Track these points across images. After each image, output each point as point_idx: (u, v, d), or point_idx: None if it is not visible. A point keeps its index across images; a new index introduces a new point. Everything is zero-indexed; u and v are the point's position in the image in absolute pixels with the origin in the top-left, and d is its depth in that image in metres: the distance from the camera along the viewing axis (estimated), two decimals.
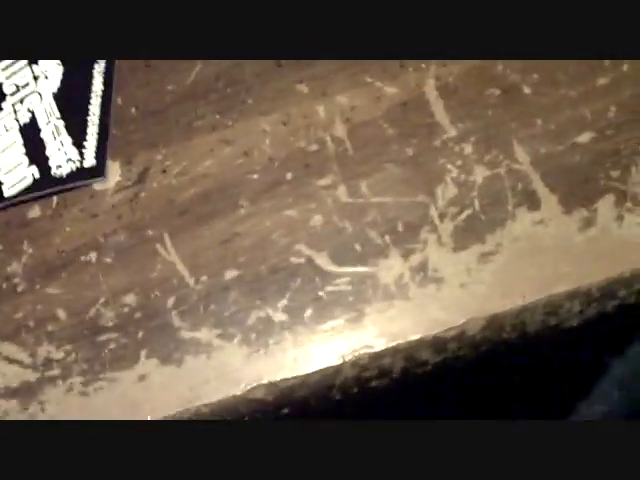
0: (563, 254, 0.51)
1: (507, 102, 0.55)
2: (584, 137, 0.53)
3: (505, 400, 0.65)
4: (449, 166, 0.54)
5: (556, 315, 0.50)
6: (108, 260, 0.56)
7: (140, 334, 0.53)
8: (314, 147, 0.57)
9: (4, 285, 0.57)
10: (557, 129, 0.54)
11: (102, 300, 0.55)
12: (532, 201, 0.52)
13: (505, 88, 0.56)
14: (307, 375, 0.50)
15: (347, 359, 0.50)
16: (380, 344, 0.50)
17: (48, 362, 0.54)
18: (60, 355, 0.54)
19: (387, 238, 0.53)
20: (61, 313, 0.55)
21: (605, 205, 0.52)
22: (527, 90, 0.55)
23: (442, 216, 0.53)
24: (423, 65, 0.57)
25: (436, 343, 0.50)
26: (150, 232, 0.57)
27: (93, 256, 0.57)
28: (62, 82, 0.63)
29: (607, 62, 0.55)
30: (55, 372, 0.54)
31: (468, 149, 0.55)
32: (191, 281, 0.54)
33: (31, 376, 0.54)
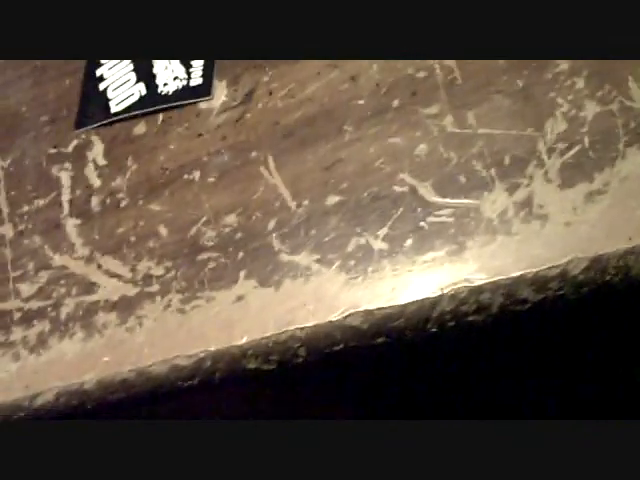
0: None
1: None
2: None
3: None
4: (559, 100, 0.53)
5: None
6: (211, 180, 0.57)
7: (240, 255, 0.54)
8: (422, 74, 0.56)
9: (108, 200, 0.58)
10: None
11: (204, 219, 0.56)
12: None
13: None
14: (404, 305, 0.50)
15: (446, 291, 0.50)
16: (480, 279, 0.49)
17: (148, 278, 0.55)
18: (160, 271, 0.55)
19: (493, 171, 0.52)
20: (162, 230, 0.56)
21: None
22: None
23: (550, 151, 0.51)
24: None
25: (537, 281, 0.49)
26: (254, 154, 0.57)
27: (196, 175, 0.57)
28: None
29: None
30: (154, 288, 0.54)
31: (580, 83, 0.53)
32: (293, 205, 0.54)
33: (131, 291, 0.55)
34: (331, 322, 0.50)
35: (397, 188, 0.53)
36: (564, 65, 0.53)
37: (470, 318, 0.50)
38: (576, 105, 0.52)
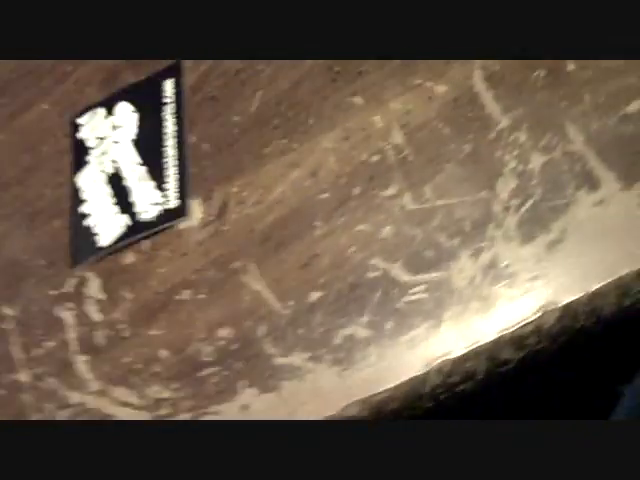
0: (628, 233, 0.51)
1: (553, 82, 0.55)
2: (634, 106, 0.53)
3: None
4: (506, 157, 0.55)
5: (629, 296, 0.50)
6: (201, 296, 0.60)
7: (238, 365, 0.56)
8: (376, 158, 0.58)
9: (111, 332, 0.61)
10: (606, 101, 0.54)
11: (200, 336, 0.58)
12: (591, 181, 0.52)
13: (550, 67, 0.55)
14: (396, 387, 0.52)
15: (432, 367, 0.52)
16: (461, 348, 0.52)
17: (157, 402, 0.58)
18: (167, 394, 0.58)
19: (456, 240, 0.54)
20: (164, 353, 0.59)
21: None
22: (571, 66, 0.55)
23: (505, 210, 0.53)
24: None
25: (515, 340, 0.51)
26: (236, 264, 0.59)
27: (187, 294, 0.60)
28: (138, 128, 0.66)
29: None
30: (165, 411, 0.57)
31: (522, 137, 0.55)
32: (279, 307, 0.57)
33: (144, 416, 0.58)
34: (331, 416, 0.53)
35: (371, 274, 0.55)
36: (505, 121, 0.55)
37: (460, 387, 0.52)
38: (522, 159, 0.54)
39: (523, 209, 0.53)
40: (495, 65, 0.57)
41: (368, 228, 0.57)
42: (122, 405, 0.59)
